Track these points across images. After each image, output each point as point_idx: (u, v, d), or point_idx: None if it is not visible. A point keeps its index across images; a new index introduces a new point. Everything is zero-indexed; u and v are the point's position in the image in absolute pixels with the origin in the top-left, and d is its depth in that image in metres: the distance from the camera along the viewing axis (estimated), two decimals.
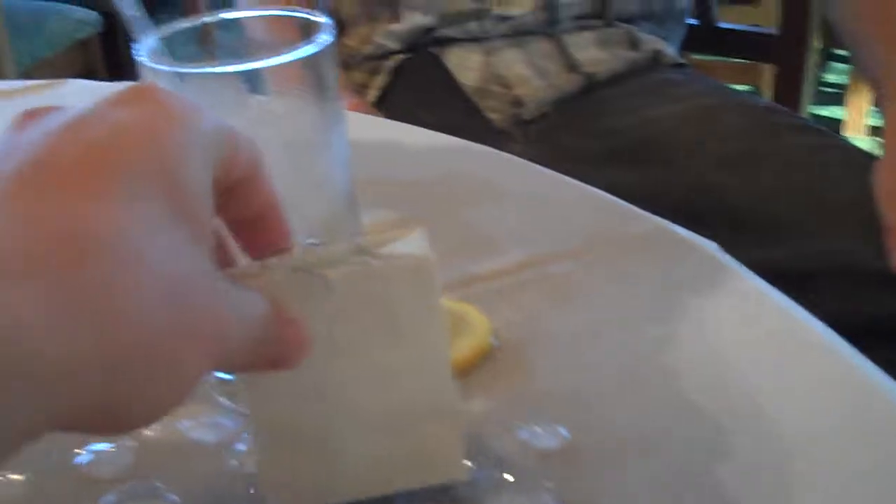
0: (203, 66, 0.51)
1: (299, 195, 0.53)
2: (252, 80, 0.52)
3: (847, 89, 3.08)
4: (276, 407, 0.45)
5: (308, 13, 0.56)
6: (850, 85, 3.07)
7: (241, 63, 0.51)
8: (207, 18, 0.56)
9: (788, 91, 1.71)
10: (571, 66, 1.15)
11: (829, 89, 3.30)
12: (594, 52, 1.17)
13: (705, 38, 1.73)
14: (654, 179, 1.03)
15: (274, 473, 0.46)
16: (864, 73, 1.03)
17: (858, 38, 1.04)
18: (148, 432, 0.54)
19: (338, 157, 0.56)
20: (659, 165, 1.05)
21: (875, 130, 3.00)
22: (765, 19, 2.26)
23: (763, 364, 0.58)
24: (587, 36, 1.18)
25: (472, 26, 1.13)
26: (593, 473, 0.50)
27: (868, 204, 0.95)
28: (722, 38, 1.75)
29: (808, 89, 1.76)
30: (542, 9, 1.15)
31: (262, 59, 0.51)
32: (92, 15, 2.83)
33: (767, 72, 2.40)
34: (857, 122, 3.01)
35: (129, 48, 0.54)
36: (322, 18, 0.55)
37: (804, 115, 1.75)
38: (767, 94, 2.21)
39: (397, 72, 1.20)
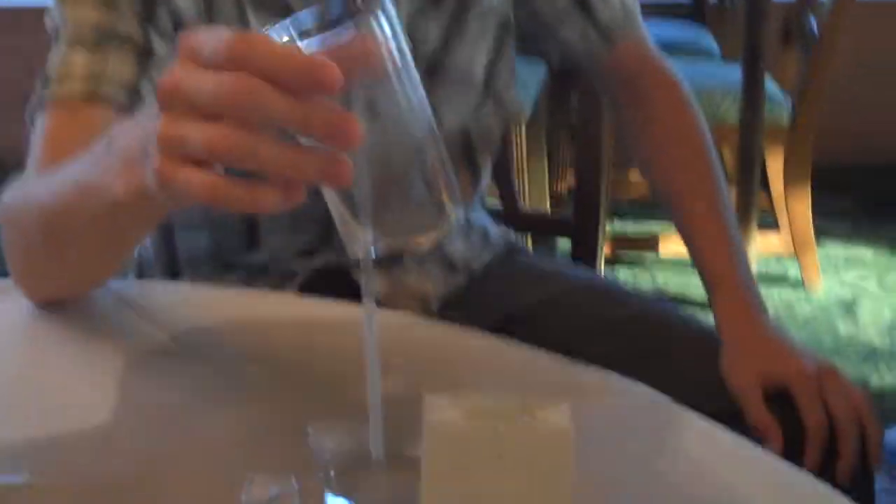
0: None
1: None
2: None
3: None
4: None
5: None
6: None
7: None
8: None
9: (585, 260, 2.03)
10: (451, 265, 1.39)
11: None
12: (462, 249, 1.42)
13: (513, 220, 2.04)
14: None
15: None
16: (694, 264, 1.34)
17: (688, 231, 1.35)
18: None
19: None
20: (535, 339, 1.30)
21: None
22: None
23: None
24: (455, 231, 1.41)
25: None
26: None
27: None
28: (527, 221, 2.08)
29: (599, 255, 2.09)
30: None
31: None
32: None
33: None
34: None
35: None
36: None
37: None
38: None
39: (304, 287, 1.35)
